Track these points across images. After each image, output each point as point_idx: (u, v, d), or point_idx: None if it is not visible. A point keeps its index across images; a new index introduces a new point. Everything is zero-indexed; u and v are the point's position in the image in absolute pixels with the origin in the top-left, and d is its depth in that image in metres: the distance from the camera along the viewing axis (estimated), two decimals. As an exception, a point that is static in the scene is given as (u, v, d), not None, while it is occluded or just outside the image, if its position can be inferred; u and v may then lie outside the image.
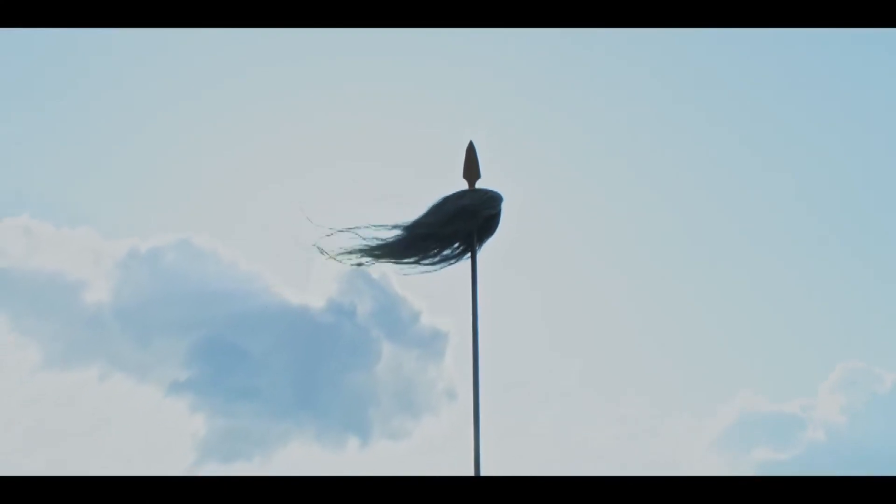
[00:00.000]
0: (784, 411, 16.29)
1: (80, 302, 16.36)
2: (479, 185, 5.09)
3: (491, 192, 5.08)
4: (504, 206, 5.15)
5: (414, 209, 5.24)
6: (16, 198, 17.52)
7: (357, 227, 5.27)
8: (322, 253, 5.39)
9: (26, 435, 16.30)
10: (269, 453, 15.95)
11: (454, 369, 16.42)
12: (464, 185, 5.10)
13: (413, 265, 5.30)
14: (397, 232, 5.23)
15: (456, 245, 5.17)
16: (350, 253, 5.34)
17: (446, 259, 5.28)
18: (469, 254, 5.27)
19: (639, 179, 16.70)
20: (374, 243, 5.24)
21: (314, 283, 17.83)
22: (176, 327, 15.97)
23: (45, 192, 17.92)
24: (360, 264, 5.35)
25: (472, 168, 5.03)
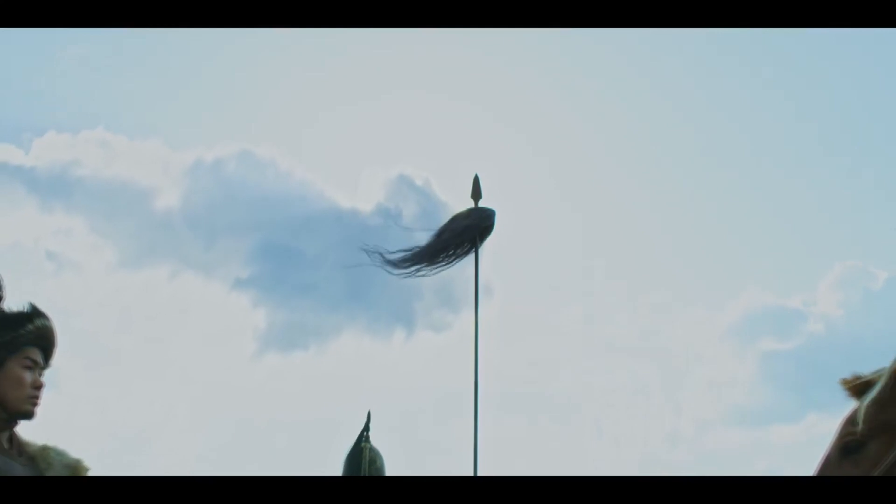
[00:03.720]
0: (787, 305, 17.48)
1: (152, 207, 17.59)
2: (480, 203, 6.70)
3: (488, 209, 6.60)
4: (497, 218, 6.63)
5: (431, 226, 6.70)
6: (92, 113, 18.53)
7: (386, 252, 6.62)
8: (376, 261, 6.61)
9: (109, 328, 17.64)
10: (324, 343, 17.48)
11: (490, 267, 17.24)
12: (470, 203, 6.71)
13: (434, 267, 6.57)
14: (419, 247, 6.58)
15: (466, 245, 6.51)
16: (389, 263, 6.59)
17: (458, 257, 6.53)
18: (473, 251, 6.53)
19: (652, 84, 17.33)
20: (401, 256, 6.57)
21: (363, 189, 19.54)
22: (238, 230, 17.41)
23: (118, 108, 19.02)
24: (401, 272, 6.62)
25: (476, 193, 6.63)
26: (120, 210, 17.66)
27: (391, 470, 6.24)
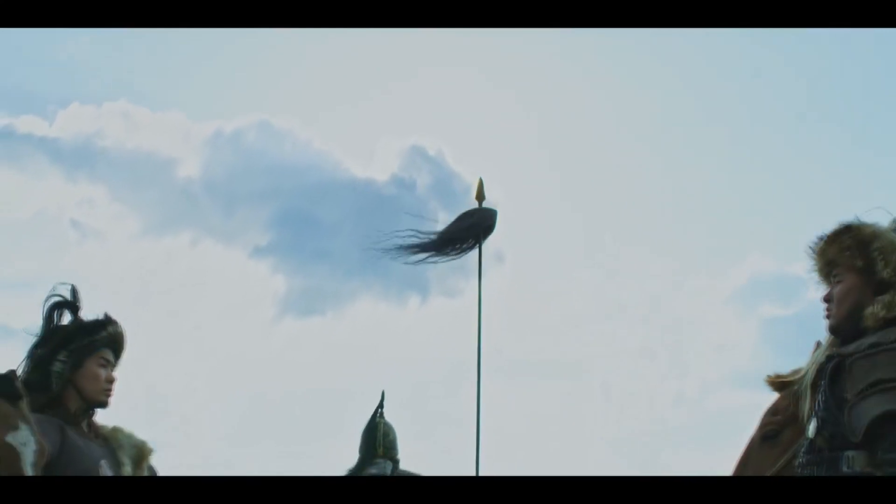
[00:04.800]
0: (788, 273, 17.24)
1: (173, 176, 17.74)
2: (484, 204, 7.18)
3: (491, 209, 7.09)
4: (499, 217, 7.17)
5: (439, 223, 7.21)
6: (115, 85, 18.70)
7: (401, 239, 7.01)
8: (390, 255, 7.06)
9: (131, 294, 17.40)
10: (341, 308, 17.74)
11: (502, 236, 17.66)
12: (474, 204, 7.22)
13: (440, 259, 7.02)
14: (430, 238, 7.03)
15: (470, 241, 6.96)
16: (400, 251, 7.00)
17: (463, 251, 6.97)
18: (476, 247, 6.99)
19: (656, 56, 17.43)
20: (413, 242, 6.99)
21: (378, 160, 19.76)
22: (257, 198, 17.62)
23: (140, 80, 18.97)
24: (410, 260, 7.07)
25: (480, 194, 7.10)
26: (142, 180, 17.80)
27: (403, 438, 6.62)
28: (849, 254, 3.47)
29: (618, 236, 18.65)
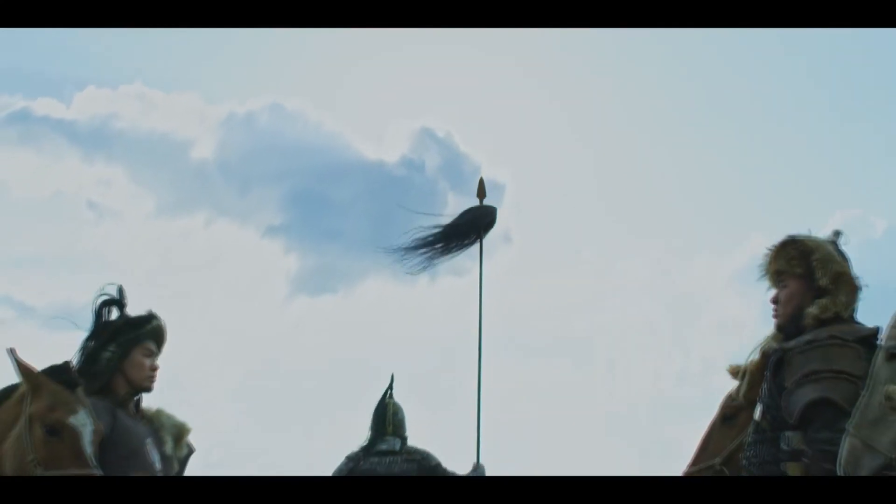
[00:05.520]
0: None
1: (187, 157, 18.04)
2: (485, 202, 7.44)
3: (491, 207, 7.36)
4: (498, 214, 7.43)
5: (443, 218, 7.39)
6: (130, 68, 18.79)
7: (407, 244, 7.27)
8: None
9: (147, 270, 17.73)
10: (351, 287, 17.91)
11: (509, 216, 18.18)
12: (476, 201, 7.48)
13: (444, 257, 7.33)
14: (431, 237, 7.30)
15: (471, 237, 7.26)
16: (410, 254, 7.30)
17: (464, 247, 7.27)
18: (477, 241, 7.25)
19: (663, 36, 17.69)
20: (416, 244, 7.27)
21: (388, 142, 19.77)
22: (270, 179, 17.89)
23: (155, 63, 19.23)
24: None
25: (481, 192, 7.38)
26: (157, 161, 18.03)
27: (410, 415, 7.04)
28: (793, 263, 4.03)
29: (623, 216, 18.90)
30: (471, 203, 7.57)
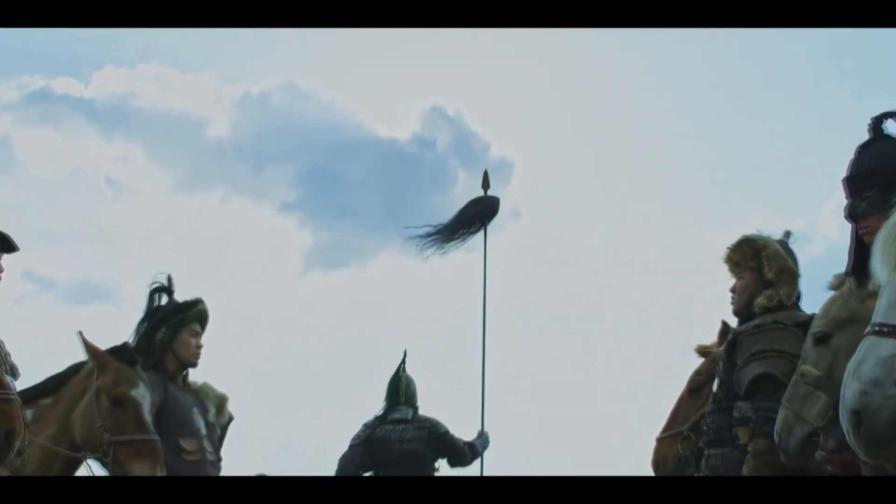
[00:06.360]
0: (791, 228, 17.99)
1: (203, 136, 18.21)
2: (489, 192, 8.05)
3: (495, 197, 7.97)
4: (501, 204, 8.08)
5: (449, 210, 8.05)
6: (147, 48, 18.80)
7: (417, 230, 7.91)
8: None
9: (164, 248, 18.02)
10: (364, 262, 18.14)
11: (518, 192, 18.35)
12: (480, 192, 8.09)
13: (452, 244, 7.94)
14: (440, 226, 7.93)
15: (476, 224, 7.89)
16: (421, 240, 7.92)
17: (471, 234, 7.90)
18: (482, 230, 7.89)
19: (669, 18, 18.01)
20: (427, 232, 7.91)
21: (399, 120, 20.01)
22: (284, 157, 18.07)
23: (171, 43, 19.73)
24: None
25: (485, 184, 7.99)
26: (174, 139, 18.19)
27: (420, 387, 7.66)
28: (747, 258, 4.72)
29: (629, 192, 19.16)
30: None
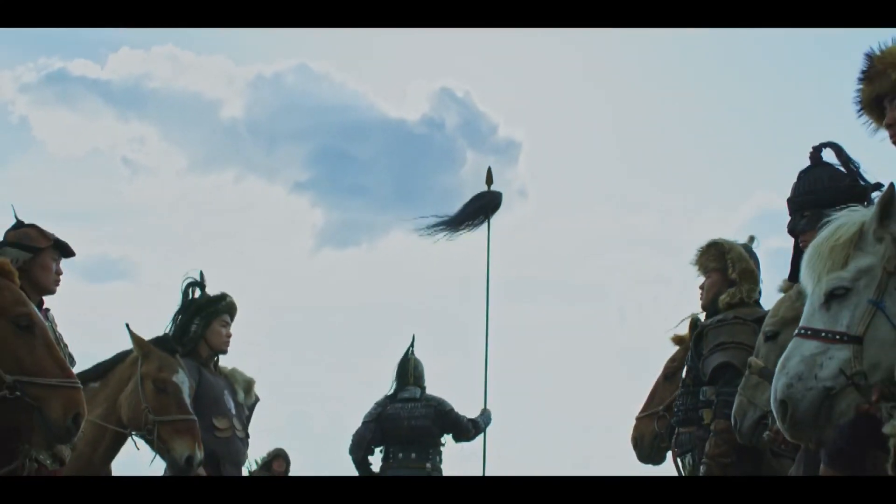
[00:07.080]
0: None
1: (218, 117, 19.16)
2: (493, 188, 8.46)
3: (498, 192, 8.42)
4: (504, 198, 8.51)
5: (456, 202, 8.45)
6: (162, 30, 19.47)
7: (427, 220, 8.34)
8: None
9: (179, 227, 19.40)
10: (374, 240, 19.65)
11: (526, 173, 19.29)
12: (484, 187, 8.48)
13: (457, 233, 8.38)
14: (446, 217, 8.37)
15: (480, 217, 8.32)
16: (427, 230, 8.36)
17: (475, 226, 8.32)
18: (486, 223, 8.34)
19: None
20: (433, 223, 8.34)
21: (409, 101, 21.92)
22: (296, 137, 19.08)
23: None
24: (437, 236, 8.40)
25: (489, 179, 8.40)
26: (189, 119, 19.11)
27: (427, 368, 8.19)
28: (714, 259, 5.33)
29: (635, 173, 19.59)
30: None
